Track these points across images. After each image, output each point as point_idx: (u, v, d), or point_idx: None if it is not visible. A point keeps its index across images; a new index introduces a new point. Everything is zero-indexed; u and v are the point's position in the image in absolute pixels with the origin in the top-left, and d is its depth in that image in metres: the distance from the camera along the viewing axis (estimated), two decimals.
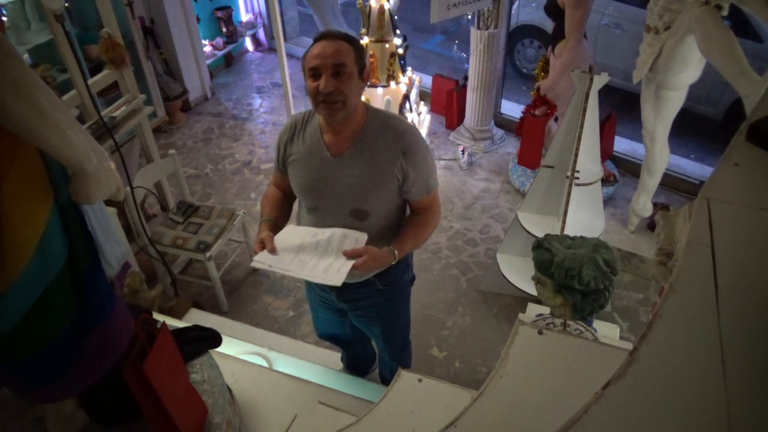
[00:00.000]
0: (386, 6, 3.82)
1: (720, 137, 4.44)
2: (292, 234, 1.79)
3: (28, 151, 1.13)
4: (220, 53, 5.62)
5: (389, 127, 1.74)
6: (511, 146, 4.56)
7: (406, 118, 4.15)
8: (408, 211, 1.94)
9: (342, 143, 1.73)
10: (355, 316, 2.16)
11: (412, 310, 3.25)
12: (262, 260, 1.70)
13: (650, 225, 3.59)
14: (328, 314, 2.26)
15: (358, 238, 1.72)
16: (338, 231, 1.74)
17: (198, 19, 5.18)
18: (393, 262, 1.78)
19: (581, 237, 1.87)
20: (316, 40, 1.66)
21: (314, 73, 1.62)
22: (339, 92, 1.62)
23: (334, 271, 1.63)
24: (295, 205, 2.03)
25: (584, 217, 2.83)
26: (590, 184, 2.77)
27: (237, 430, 1.77)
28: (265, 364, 2.36)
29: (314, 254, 1.70)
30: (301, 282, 3.49)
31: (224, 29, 5.67)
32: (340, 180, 1.75)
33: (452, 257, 3.65)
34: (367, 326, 2.23)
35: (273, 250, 1.70)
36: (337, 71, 1.61)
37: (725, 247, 0.84)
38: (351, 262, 1.64)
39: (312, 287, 2.18)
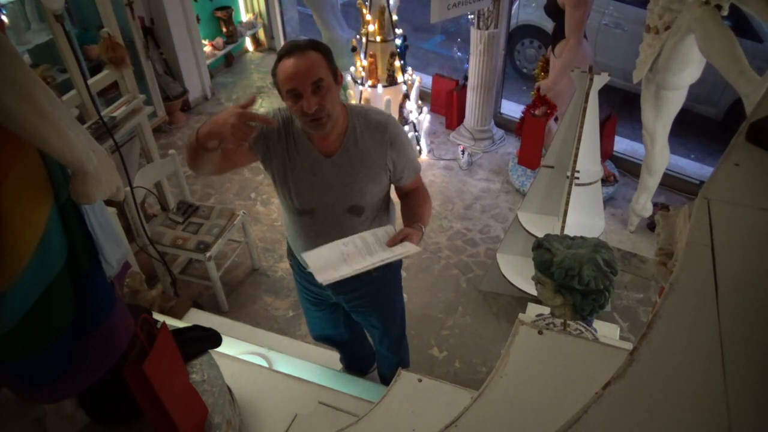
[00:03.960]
0: (386, 6, 3.82)
1: (720, 137, 4.44)
2: (321, 254, 1.73)
3: (28, 151, 1.13)
4: (220, 53, 5.62)
5: (372, 122, 1.78)
6: (511, 146, 4.56)
7: (406, 119, 4.16)
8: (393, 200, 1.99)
9: (330, 144, 1.75)
10: (352, 307, 2.17)
11: (412, 310, 3.26)
12: (327, 277, 1.64)
13: (650, 225, 3.59)
14: (321, 313, 2.27)
15: (387, 231, 1.77)
16: (365, 233, 1.76)
17: (198, 19, 5.18)
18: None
19: (581, 237, 1.87)
20: (283, 56, 1.60)
21: (294, 94, 1.60)
22: (323, 108, 1.61)
23: (399, 248, 1.69)
24: (279, 213, 2.02)
25: (584, 217, 2.83)
26: (590, 184, 2.77)
27: (237, 430, 1.77)
28: (265, 364, 2.36)
29: (361, 254, 1.71)
30: None
31: (224, 29, 5.67)
32: (336, 179, 1.77)
33: (452, 257, 3.65)
34: (365, 317, 2.23)
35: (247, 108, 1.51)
36: (316, 87, 1.59)
37: (725, 247, 0.84)
38: (406, 242, 1.70)
39: (304, 286, 2.17)
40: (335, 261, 1.71)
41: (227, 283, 3.45)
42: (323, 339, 2.54)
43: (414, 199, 1.92)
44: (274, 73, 1.64)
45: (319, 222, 1.84)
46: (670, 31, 2.77)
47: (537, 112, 3.83)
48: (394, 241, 1.71)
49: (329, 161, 1.75)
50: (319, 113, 1.61)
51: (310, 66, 1.57)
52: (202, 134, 1.54)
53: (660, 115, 3.14)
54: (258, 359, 2.38)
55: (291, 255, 2.11)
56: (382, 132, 1.77)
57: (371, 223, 1.86)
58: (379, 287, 2.08)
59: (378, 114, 1.81)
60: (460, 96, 4.58)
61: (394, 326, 2.30)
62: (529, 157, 4.04)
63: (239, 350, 2.39)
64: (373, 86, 4.06)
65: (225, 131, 1.48)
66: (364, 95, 4.07)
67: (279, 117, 1.77)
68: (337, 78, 1.66)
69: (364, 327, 2.35)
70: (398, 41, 3.96)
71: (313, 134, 1.71)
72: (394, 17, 3.93)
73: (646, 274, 3.43)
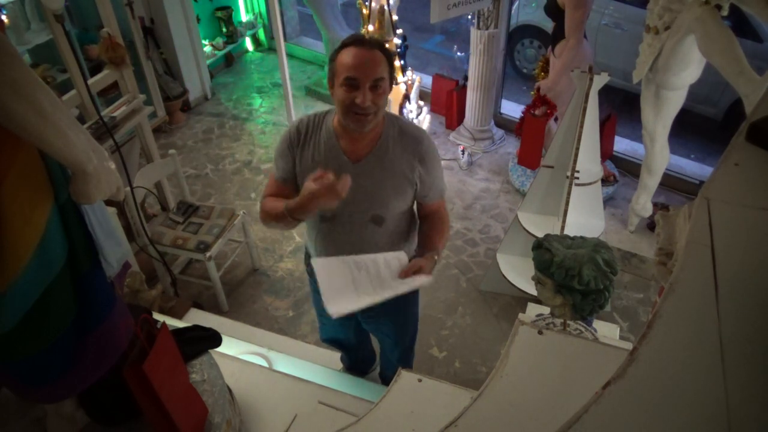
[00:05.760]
0: (386, 6, 3.82)
1: (720, 137, 4.44)
2: (330, 269, 1.72)
3: (28, 151, 1.13)
4: (220, 53, 5.62)
5: (407, 134, 1.74)
6: (511, 146, 4.56)
7: (406, 119, 4.16)
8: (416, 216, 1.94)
9: (360, 149, 1.71)
10: (367, 317, 2.13)
11: None
12: (338, 310, 1.65)
13: (650, 225, 3.59)
14: (336, 319, 2.24)
15: (399, 258, 1.73)
16: (378, 257, 1.73)
17: (198, 19, 5.18)
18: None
19: (581, 237, 1.87)
20: (349, 45, 1.60)
21: (351, 84, 1.57)
22: (374, 105, 1.60)
23: (410, 281, 1.67)
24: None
25: (584, 217, 2.83)
26: (590, 184, 2.77)
27: (237, 430, 1.77)
28: (265, 364, 2.36)
29: (372, 284, 1.69)
30: (301, 282, 3.49)
31: (224, 29, 5.67)
32: (360, 186, 1.70)
33: (452, 257, 3.65)
34: (377, 326, 2.21)
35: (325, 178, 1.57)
36: (375, 85, 1.58)
37: (725, 247, 0.84)
38: (415, 276, 1.68)
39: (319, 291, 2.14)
40: (345, 288, 1.69)
41: (227, 283, 3.45)
42: (332, 342, 2.53)
43: (432, 223, 1.88)
44: (332, 58, 1.62)
45: (339, 229, 1.80)
46: (670, 31, 2.78)
47: (537, 112, 3.83)
48: (406, 274, 1.69)
49: (356, 167, 1.70)
50: (369, 109, 1.59)
51: (377, 63, 1.58)
52: (295, 210, 1.62)
53: (660, 115, 3.14)
54: (258, 359, 2.38)
55: (309, 260, 2.06)
56: (415, 145, 1.73)
57: (391, 234, 1.83)
58: (397, 298, 2.06)
59: (415, 127, 1.80)
60: (460, 96, 4.58)
61: (406, 336, 2.28)
62: (529, 157, 4.04)
63: (239, 350, 2.39)
64: None
65: (316, 202, 1.55)
66: None
67: (304, 124, 1.76)
68: (391, 86, 1.66)
69: (374, 335, 2.32)
70: (398, 41, 3.96)
71: (350, 131, 1.67)
72: (394, 17, 3.93)
73: (646, 274, 3.43)
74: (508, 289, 3.23)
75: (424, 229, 1.90)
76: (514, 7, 5.13)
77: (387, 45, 3.90)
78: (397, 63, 4.03)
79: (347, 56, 1.58)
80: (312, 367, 2.47)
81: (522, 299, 3.09)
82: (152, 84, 4.60)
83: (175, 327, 1.76)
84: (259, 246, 3.73)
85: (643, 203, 3.53)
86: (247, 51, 6.16)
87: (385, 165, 1.71)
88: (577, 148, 2.64)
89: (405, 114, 4.15)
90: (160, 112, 4.77)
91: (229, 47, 5.73)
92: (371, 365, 2.72)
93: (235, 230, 3.28)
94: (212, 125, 5.04)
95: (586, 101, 2.56)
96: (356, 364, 2.66)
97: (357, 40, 1.60)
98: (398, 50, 4.00)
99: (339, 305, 1.66)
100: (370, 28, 3.91)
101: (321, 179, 1.52)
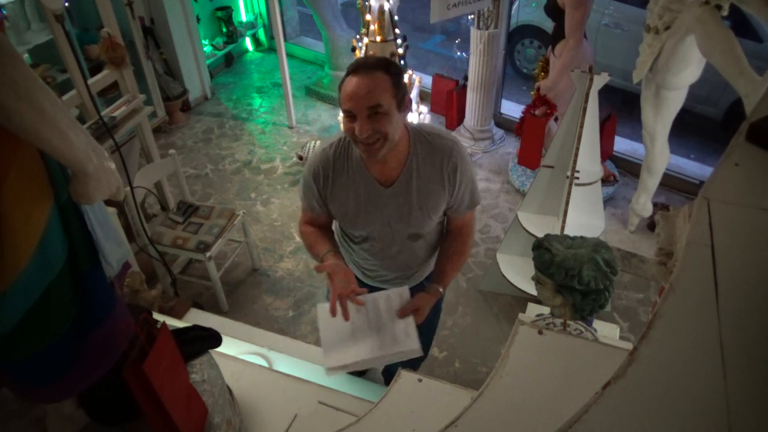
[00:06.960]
0: (386, 6, 3.82)
1: (720, 137, 4.45)
2: (332, 319, 1.67)
3: (28, 151, 1.13)
4: (220, 53, 5.62)
5: (436, 148, 1.67)
6: (511, 146, 4.56)
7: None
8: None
9: (390, 172, 1.67)
10: None
11: None
12: (334, 365, 1.60)
13: (650, 225, 3.59)
14: None
15: (401, 294, 1.70)
16: (378, 296, 1.70)
17: (198, 19, 5.18)
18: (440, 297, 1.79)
19: (581, 237, 1.87)
20: (349, 73, 1.53)
21: (349, 115, 1.51)
22: (376, 132, 1.50)
23: (404, 337, 1.62)
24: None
25: (584, 217, 2.83)
26: (590, 184, 2.77)
27: (237, 430, 1.77)
28: (265, 364, 2.36)
29: (370, 330, 1.65)
30: (301, 282, 3.49)
31: (224, 29, 5.68)
32: (394, 209, 1.69)
33: None
34: None
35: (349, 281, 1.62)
36: (374, 112, 1.48)
37: (725, 247, 0.84)
38: (411, 320, 1.64)
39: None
40: (343, 335, 1.64)
41: (227, 283, 3.45)
42: None
43: (452, 244, 1.84)
44: (339, 89, 1.56)
45: (377, 247, 1.81)
46: (670, 31, 2.78)
47: (537, 112, 3.83)
48: (404, 312, 1.65)
49: (388, 191, 1.67)
50: (371, 139, 1.51)
51: (372, 88, 1.48)
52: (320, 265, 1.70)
53: (660, 115, 3.14)
54: (258, 359, 2.37)
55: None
56: (447, 159, 1.66)
57: (429, 244, 1.84)
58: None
59: (444, 139, 1.69)
60: (460, 96, 4.58)
61: (431, 329, 2.27)
62: (529, 157, 4.04)
63: (239, 350, 2.39)
64: None
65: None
66: None
67: (329, 160, 1.69)
68: (403, 103, 1.56)
69: None
70: (398, 41, 3.96)
71: (367, 159, 1.63)
72: (395, 17, 3.93)
73: (646, 274, 3.43)
74: (508, 289, 3.23)
75: (444, 247, 1.86)
76: (514, 7, 5.14)
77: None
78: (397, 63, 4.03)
79: (346, 86, 1.52)
80: (312, 367, 2.47)
81: (522, 299, 3.09)
82: (152, 84, 4.60)
83: (175, 327, 1.76)
84: (259, 246, 3.73)
85: (643, 203, 3.53)
86: (247, 51, 6.16)
87: (417, 185, 1.67)
88: (577, 148, 2.64)
89: None
90: (160, 112, 4.77)
91: (229, 47, 5.73)
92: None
93: (235, 230, 3.28)
94: (212, 125, 5.04)
95: (586, 101, 2.56)
96: None
97: (356, 67, 1.52)
98: (398, 50, 4.00)
99: (333, 358, 1.61)
100: (371, 28, 3.91)
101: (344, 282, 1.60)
